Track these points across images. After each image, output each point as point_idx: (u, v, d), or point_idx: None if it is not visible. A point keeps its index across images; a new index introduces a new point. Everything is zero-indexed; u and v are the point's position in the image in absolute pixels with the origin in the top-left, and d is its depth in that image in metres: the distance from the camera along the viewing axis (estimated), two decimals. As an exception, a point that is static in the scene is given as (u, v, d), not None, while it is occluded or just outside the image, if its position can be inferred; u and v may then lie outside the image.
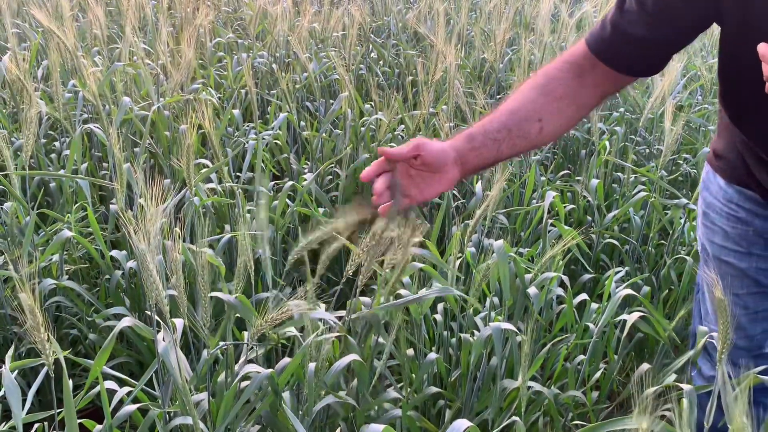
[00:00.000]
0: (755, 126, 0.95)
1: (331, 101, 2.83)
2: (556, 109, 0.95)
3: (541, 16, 2.83)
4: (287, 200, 1.77)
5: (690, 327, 1.31)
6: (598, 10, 2.99)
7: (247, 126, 2.39)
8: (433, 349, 1.47)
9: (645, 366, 1.45)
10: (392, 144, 2.23)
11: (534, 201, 1.97)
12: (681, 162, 2.33)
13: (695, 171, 2.30)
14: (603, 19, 0.98)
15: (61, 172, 1.79)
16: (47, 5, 2.72)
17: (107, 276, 1.53)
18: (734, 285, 1.04)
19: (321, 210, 1.88)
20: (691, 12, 0.88)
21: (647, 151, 2.38)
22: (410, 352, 1.37)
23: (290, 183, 1.72)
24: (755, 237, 1.04)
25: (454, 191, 2.05)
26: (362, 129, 2.20)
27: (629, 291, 1.45)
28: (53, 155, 2.11)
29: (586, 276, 1.81)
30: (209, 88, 2.40)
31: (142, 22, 3.10)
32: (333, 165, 2.15)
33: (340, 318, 1.18)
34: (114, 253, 1.48)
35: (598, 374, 1.47)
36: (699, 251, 1.17)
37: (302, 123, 2.50)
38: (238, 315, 1.19)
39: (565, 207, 1.98)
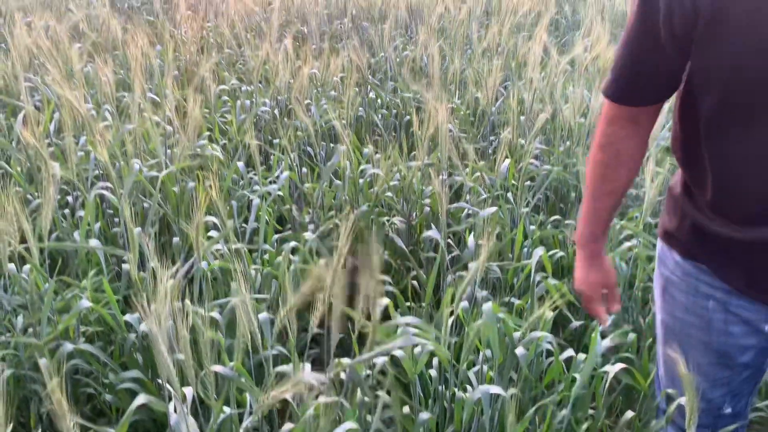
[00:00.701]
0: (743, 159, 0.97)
1: (332, 145, 2.94)
2: (634, 167, 1.14)
3: (532, 59, 2.94)
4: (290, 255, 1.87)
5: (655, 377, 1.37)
6: (589, 48, 3.09)
7: (251, 174, 2.49)
8: (429, 403, 1.56)
9: (629, 413, 1.55)
10: (389, 194, 2.33)
11: (525, 248, 2.07)
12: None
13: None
14: (621, 73, 1.04)
15: (76, 234, 1.89)
16: (58, 60, 2.84)
17: (121, 335, 1.63)
18: (696, 357, 1.10)
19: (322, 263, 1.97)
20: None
21: (634, 193, 2.46)
22: (406, 409, 1.45)
23: (293, 244, 1.81)
24: (717, 308, 1.07)
25: (449, 240, 2.15)
26: (361, 180, 2.30)
27: (611, 343, 1.54)
28: (66, 210, 2.22)
29: (576, 323, 1.90)
30: (214, 143, 2.51)
31: (149, 70, 3.22)
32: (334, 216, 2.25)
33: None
34: (128, 317, 1.58)
35: (585, 425, 1.55)
36: (656, 328, 1.21)
37: (303, 169, 2.61)
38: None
39: (554, 254, 2.08)
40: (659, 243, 1.17)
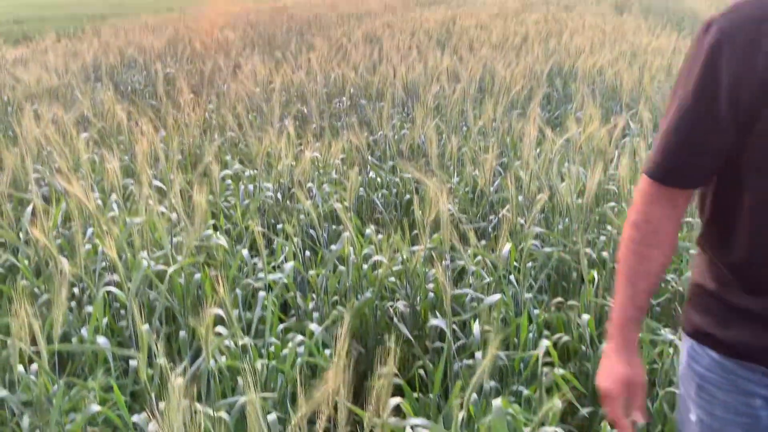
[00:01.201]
0: None
1: (334, 226, 2.99)
2: (670, 248, 1.10)
3: (527, 140, 3.02)
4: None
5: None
6: (581, 131, 3.18)
7: (255, 258, 2.52)
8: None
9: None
10: (392, 278, 2.36)
11: (530, 333, 2.07)
12: (666, 282, 2.44)
13: (681, 289, 2.40)
14: (670, 153, 1.02)
15: (83, 330, 1.90)
16: (65, 150, 2.91)
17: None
18: None
19: (327, 352, 1.98)
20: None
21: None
22: None
23: (300, 338, 1.82)
24: (764, 405, 1.02)
25: (454, 326, 2.16)
26: (364, 266, 2.33)
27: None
28: (73, 303, 2.24)
29: (585, 410, 1.89)
30: (219, 230, 2.55)
31: (153, 155, 3.29)
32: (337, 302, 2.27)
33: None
34: (136, 419, 1.57)
35: None
36: (685, 424, 1.15)
37: (307, 252, 2.65)
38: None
39: (559, 339, 2.09)
40: (687, 339, 1.12)
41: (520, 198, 2.72)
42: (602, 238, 2.61)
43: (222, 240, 2.32)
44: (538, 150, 3.10)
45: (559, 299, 2.36)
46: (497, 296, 2.00)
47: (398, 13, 13.39)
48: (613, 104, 4.90)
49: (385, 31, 8.45)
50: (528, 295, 2.17)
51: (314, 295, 2.35)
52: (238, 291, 2.24)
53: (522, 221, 2.62)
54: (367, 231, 2.75)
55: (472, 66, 5.40)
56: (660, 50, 6.19)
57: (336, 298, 2.36)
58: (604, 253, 2.52)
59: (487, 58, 5.93)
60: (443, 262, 2.19)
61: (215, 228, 2.58)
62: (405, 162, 3.58)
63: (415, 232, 3.03)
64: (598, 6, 14.28)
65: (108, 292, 2.07)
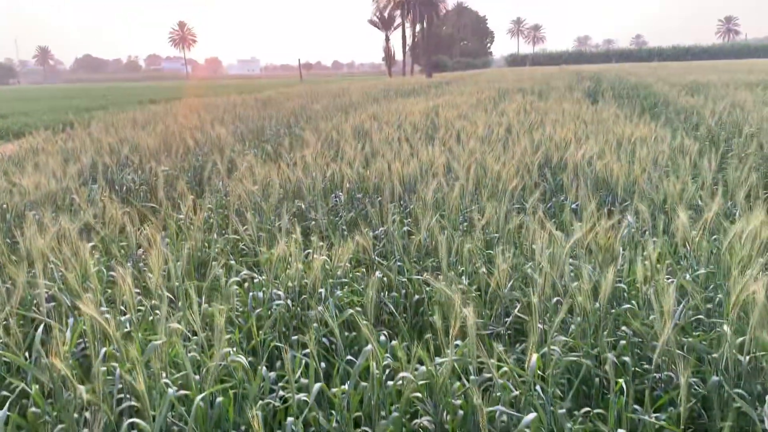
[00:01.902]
0: None
1: (346, 333, 2.94)
2: None
3: (536, 239, 3.05)
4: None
5: None
6: (584, 236, 3.22)
7: (272, 374, 2.46)
8: None
9: None
10: (417, 393, 2.30)
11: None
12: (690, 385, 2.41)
13: (703, 393, 2.37)
14: None
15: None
16: (72, 261, 2.86)
17: None
18: None
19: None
20: None
21: (658, 377, 2.47)
22: None
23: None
24: None
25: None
26: (389, 383, 2.28)
27: None
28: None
29: None
30: (234, 345, 2.49)
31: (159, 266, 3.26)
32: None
33: None
34: None
35: None
36: None
37: (323, 364, 2.58)
38: None
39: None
40: None
41: (535, 300, 2.72)
42: (622, 342, 2.59)
43: (241, 358, 2.26)
44: (549, 249, 3.13)
45: (587, 409, 2.32)
46: (533, 415, 1.95)
47: (381, 103, 13.81)
48: (604, 195, 5.02)
49: (373, 124, 8.66)
50: (561, 411, 2.12)
51: (337, 417, 2.28)
52: (259, 413, 2.16)
53: (541, 325, 2.60)
54: (383, 338, 2.70)
55: (465, 160, 5.53)
56: (643, 140, 6.41)
57: (359, 414, 2.29)
58: (626, 358, 2.50)
59: (477, 150, 6.07)
60: (471, 377, 2.15)
61: (229, 343, 2.51)
62: (413, 262, 3.59)
63: (429, 335, 3.00)
64: (570, 93, 14.89)
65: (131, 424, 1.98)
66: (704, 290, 2.98)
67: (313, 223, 4.63)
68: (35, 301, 2.74)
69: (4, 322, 2.46)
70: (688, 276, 3.04)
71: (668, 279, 3.04)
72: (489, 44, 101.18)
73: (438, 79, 35.01)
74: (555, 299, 2.82)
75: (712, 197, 4.28)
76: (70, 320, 2.62)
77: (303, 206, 4.94)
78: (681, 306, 2.67)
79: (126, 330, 2.45)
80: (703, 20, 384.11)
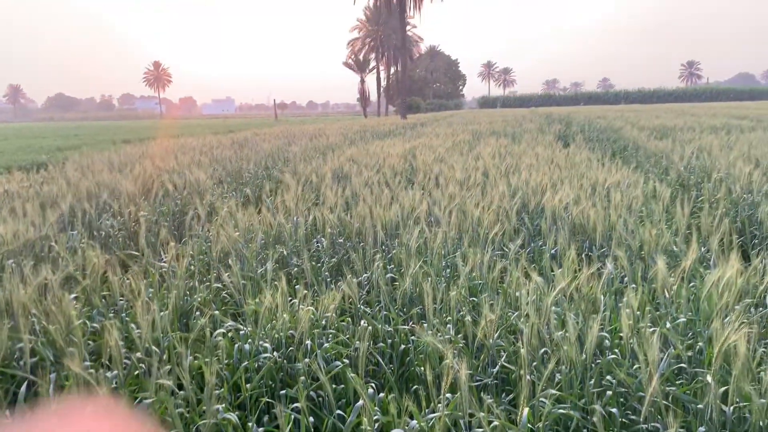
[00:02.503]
0: None
1: (334, 386, 2.92)
2: None
3: (522, 291, 3.10)
4: None
5: None
6: (566, 285, 3.28)
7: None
8: None
9: None
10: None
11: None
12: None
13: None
14: None
15: None
16: (55, 313, 2.82)
17: None
18: None
19: None
20: None
21: (645, 428, 2.50)
22: None
23: None
24: None
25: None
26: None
27: None
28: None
29: None
30: (222, 400, 2.46)
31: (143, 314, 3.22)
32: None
33: None
34: None
35: None
36: None
37: (311, 418, 2.56)
38: None
39: None
40: None
41: (523, 352, 2.74)
42: (608, 392, 2.62)
43: (232, 416, 2.24)
44: (533, 297, 3.17)
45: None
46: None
47: (358, 145, 13.95)
48: (581, 239, 5.12)
49: (352, 167, 8.74)
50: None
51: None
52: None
53: (529, 377, 2.63)
54: (371, 391, 2.70)
55: (445, 205, 5.60)
56: (617, 185, 6.57)
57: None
58: (613, 409, 2.53)
59: (456, 195, 6.16)
60: None
61: (219, 399, 2.49)
62: (398, 311, 3.60)
63: (416, 386, 3.00)
64: (542, 136, 15.23)
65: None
66: (684, 337, 3.04)
67: (295, 269, 4.63)
68: (16, 356, 2.69)
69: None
70: (668, 324, 3.11)
71: (650, 327, 3.10)
72: (461, 86, 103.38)
73: (413, 120, 35.51)
74: (542, 350, 2.85)
75: (687, 244, 4.40)
76: (52, 376, 2.57)
77: (285, 252, 4.94)
78: (665, 356, 2.73)
79: (113, 386, 2.40)
80: (667, 64, 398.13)
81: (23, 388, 2.31)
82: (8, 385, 2.64)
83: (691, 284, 3.61)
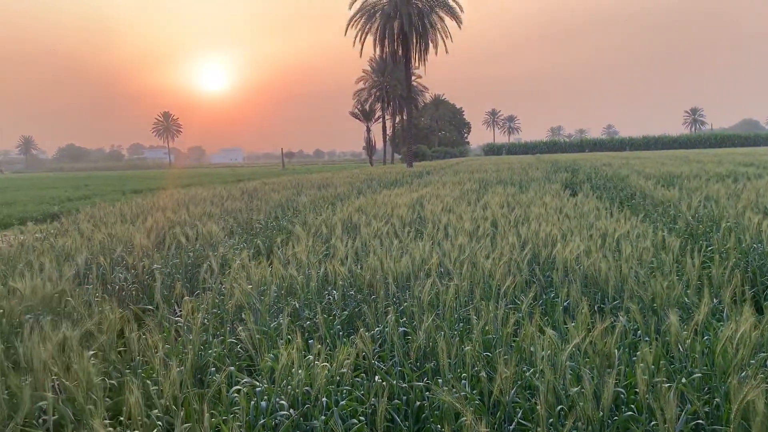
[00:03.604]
0: None
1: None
2: None
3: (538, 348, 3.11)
4: None
5: None
6: (581, 340, 3.30)
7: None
8: None
9: None
10: None
11: None
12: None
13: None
14: None
15: None
16: (75, 371, 2.85)
17: None
18: None
19: None
20: None
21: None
22: None
23: None
24: None
25: None
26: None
27: None
28: None
29: None
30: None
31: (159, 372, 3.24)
32: None
33: None
34: None
35: None
36: None
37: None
38: None
39: None
40: None
41: (541, 410, 2.74)
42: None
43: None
44: (548, 353, 3.18)
45: None
46: None
47: (366, 194, 14.09)
48: (593, 291, 5.12)
49: (361, 218, 8.83)
50: None
51: None
52: None
53: (546, 435, 2.62)
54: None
55: (455, 257, 5.64)
56: (627, 236, 6.61)
57: None
58: (633, 468, 2.52)
59: (466, 246, 6.21)
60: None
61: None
62: (411, 366, 3.60)
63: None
64: (549, 184, 15.34)
65: None
66: (701, 393, 3.03)
67: (308, 323, 4.65)
68: (36, 414, 2.71)
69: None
70: (684, 380, 3.10)
71: (665, 382, 3.10)
72: (466, 134, 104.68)
73: (419, 168, 35.85)
74: (559, 407, 2.85)
75: (699, 296, 4.40)
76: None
77: (297, 305, 4.97)
78: (683, 413, 2.72)
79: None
80: (671, 110, 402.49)
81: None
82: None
83: (705, 338, 3.61)
